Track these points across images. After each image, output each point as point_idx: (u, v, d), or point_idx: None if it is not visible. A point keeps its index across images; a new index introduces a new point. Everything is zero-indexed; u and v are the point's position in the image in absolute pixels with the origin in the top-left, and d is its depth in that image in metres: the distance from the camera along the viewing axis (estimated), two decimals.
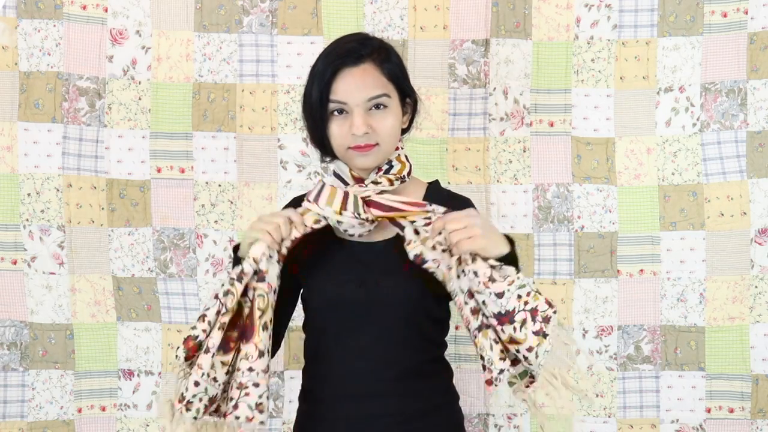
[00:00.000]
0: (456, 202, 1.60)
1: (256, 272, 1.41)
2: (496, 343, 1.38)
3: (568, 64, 2.20)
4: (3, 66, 2.13)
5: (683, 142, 2.19)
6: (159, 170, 2.20)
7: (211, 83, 2.19)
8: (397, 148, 1.56)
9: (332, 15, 2.18)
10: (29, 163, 2.16)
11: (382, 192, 1.48)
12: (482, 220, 1.41)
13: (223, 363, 1.41)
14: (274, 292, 1.42)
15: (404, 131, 1.59)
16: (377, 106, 1.46)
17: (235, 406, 1.38)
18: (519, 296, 1.36)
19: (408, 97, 1.55)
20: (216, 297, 1.42)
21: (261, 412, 1.38)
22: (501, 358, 1.38)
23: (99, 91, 2.17)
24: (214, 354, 1.39)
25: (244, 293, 1.42)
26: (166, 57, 2.18)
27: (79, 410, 2.20)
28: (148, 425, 2.22)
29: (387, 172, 1.52)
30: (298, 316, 1.58)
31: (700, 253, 2.18)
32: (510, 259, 1.41)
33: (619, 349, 2.20)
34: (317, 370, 1.53)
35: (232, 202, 2.20)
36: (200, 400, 1.39)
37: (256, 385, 1.39)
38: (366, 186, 1.48)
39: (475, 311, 1.39)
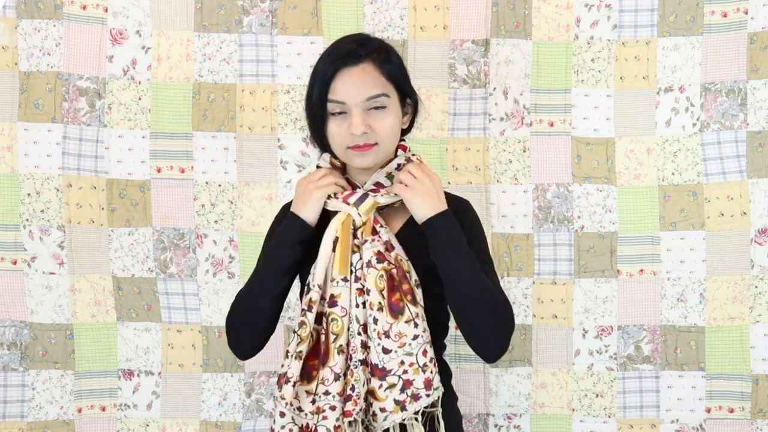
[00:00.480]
0: (454, 205, 1.60)
1: (322, 297, 1.46)
2: (368, 383, 1.44)
3: (568, 64, 2.20)
4: (3, 66, 2.13)
5: (683, 142, 2.19)
6: (159, 170, 2.20)
7: (211, 83, 2.19)
8: (405, 148, 1.57)
9: (332, 15, 2.18)
10: (29, 163, 2.16)
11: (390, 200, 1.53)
12: (433, 185, 1.48)
13: (307, 392, 1.45)
14: (348, 316, 1.46)
15: (405, 132, 1.60)
16: (376, 107, 1.47)
17: (314, 431, 1.41)
18: (402, 362, 1.41)
19: (408, 98, 1.55)
20: (294, 332, 1.47)
21: None
22: (365, 399, 1.44)
23: (99, 91, 2.17)
24: (295, 383, 1.43)
25: (318, 321, 1.47)
26: (166, 57, 2.18)
27: (79, 410, 2.20)
28: (148, 425, 2.22)
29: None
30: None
31: (700, 253, 2.18)
32: (437, 226, 1.46)
33: (619, 349, 2.20)
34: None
35: (232, 202, 2.20)
36: (290, 430, 1.44)
37: (333, 408, 1.41)
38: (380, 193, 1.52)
39: (364, 345, 1.44)
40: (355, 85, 1.46)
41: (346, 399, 1.42)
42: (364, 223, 1.49)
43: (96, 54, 2.17)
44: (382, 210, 1.54)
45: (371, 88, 1.46)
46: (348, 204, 1.49)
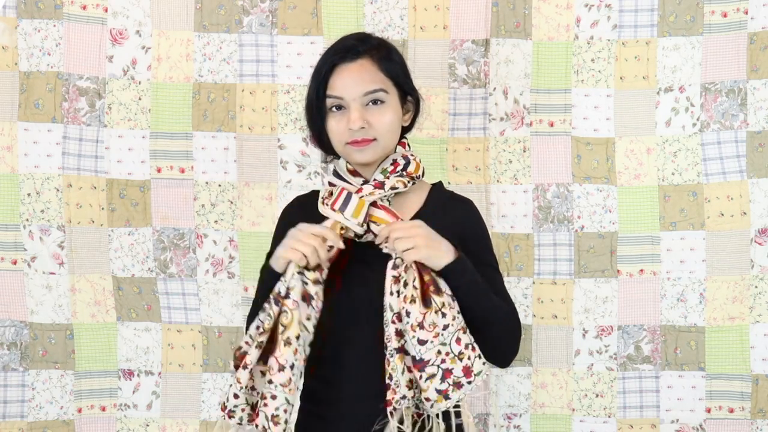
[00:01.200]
0: (458, 204, 1.60)
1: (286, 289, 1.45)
2: (409, 371, 1.43)
3: (568, 64, 2.20)
4: (3, 66, 2.13)
5: (683, 142, 2.19)
6: (159, 170, 2.20)
7: (211, 83, 2.19)
8: (404, 145, 1.57)
9: (332, 15, 2.18)
10: (29, 163, 2.16)
11: (389, 194, 1.51)
12: (426, 230, 1.44)
13: (262, 372, 1.46)
14: (315, 307, 1.45)
15: (407, 130, 1.60)
16: (374, 102, 1.47)
17: (257, 415, 1.43)
18: (438, 351, 1.41)
19: (409, 96, 1.55)
20: (259, 319, 1.47)
21: (276, 424, 1.40)
22: (407, 386, 1.43)
23: (99, 91, 2.17)
24: (251, 369, 1.44)
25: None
26: (166, 57, 2.18)
27: (79, 410, 2.20)
28: (148, 425, 2.22)
29: (405, 168, 1.53)
30: None
31: (700, 253, 2.18)
32: (458, 270, 1.44)
33: (619, 349, 2.20)
34: (321, 371, 1.53)
35: (232, 202, 2.20)
36: (242, 409, 1.45)
37: (273, 397, 1.41)
38: (383, 190, 1.50)
39: (399, 334, 1.43)
40: (353, 80, 1.46)
41: (385, 389, 1.42)
42: (358, 234, 1.48)
43: (96, 54, 2.17)
44: (393, 197, 1.53)
45: (369, 83, 1.47)
46: (334, 210, 1.49)
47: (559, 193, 2.20)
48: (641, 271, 2.20)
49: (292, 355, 1.42)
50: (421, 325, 1.40)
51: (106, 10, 2.16)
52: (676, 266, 2.19)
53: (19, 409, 2.17)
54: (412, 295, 1.42)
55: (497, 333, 1.50)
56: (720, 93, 2.17)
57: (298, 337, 1.43)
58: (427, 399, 1.41)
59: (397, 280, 1.44)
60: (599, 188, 2.20)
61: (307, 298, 1.44)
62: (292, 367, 1.42)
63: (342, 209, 1.47)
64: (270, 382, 1.42)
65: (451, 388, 1.41)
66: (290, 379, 1.42)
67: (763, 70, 2.15)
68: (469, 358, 1.43)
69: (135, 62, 2.18)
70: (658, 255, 2.19)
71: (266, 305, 1.45)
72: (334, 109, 1.48)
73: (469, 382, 1.42)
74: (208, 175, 2.20)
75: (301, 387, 1.51)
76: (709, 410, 2.20)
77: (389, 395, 1.42)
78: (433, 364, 1.40)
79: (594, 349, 2.21)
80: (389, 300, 1.44)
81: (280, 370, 1.41)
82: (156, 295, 2.21)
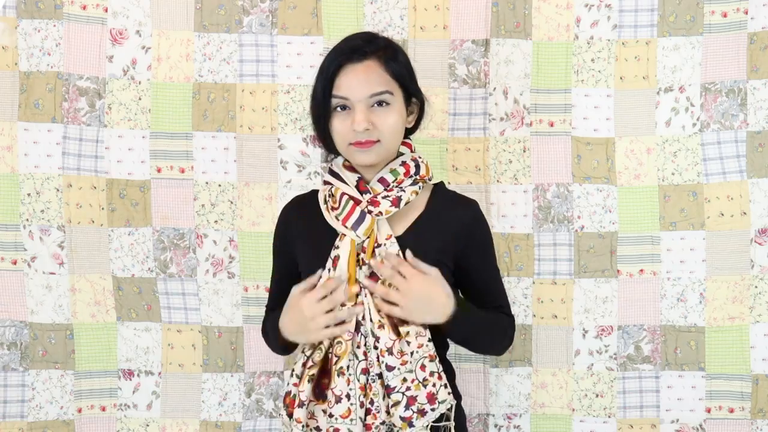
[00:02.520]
0: (462, 206, 1.61)
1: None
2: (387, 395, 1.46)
3: (568, 64, 2.20)
4: (3, 66, 2.13)
5: (683, 142, 2.19)
6: (159, 170, 2.20)
7: (211, 83, 2.19)
8: (410, 147, 1.57)
9: (332, 15, 2.18)
10: (29, 163, 2.16)
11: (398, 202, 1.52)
12: (426, 290, 1.44)
13: (324, 412, 1.46)
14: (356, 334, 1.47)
15: (411, 131, 1.60)
16: (380, 103, 1.47)
17: None
18: (404, 379, 1.42)
19: (414, 97, 1.55)
20: (302, 351, 1.49)
21: None
22: (386, 411, 1.46)
23: (99, 91, 2.17)
24: (307, 405, 1.45)
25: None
26: (166, 57, 2.18)
27: (79, 410, 2.20)
28: (148, 425, 2.22)
29: (416, 172, 1.53)
30: None
31: (700, 253, 2.18)
32: (451, 329, 1.47)
33: (619, 349, 2.20)
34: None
35: (232, 202, 2.20)
36: None
37: (336, 430, 1.41)
38: (398, 207, 1.51)
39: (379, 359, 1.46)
40: (359, 81, 1.46)
41: (366, 413, 1.44)
42: (364, 248, 1.49)
43: (96, 54, 2.17)
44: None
45: (375, 85, 1.46)
46: (346, 227, 1.49)
47: (559, 193, 2.20)
48: (641, 271, 2.20)
49: (345, 384, 1.42)
50: (390, 351, 1.41)
51: (106, 10, 2.16)
52: (676, 266, 2.19)
53: (19, 409, 2.17)
54: (380, 321, 1.42)
55: (494, 350, 1.64)
56: (720, 93, 2.17)
57: (348, 367, 1.43)
58: (393, 425, 1.44)
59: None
60: (599, 188, 2.20)
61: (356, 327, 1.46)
62: (348, 397, 1.42)
63: (355, 227, 1.48)
64: (330, 416, 1.42)
65: (415, 415, 1.42)
66: (349, 409, 1.42)
67: (763, 70, 2.15)
68: (434, 386, 1.44)
69: (135, 62, 2.18)
70: (658, 255, 2.19)
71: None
72: (339, 108, 1.48)
73: (433, 409, 1.43)
74: (208, 175, 2.20)
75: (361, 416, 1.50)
76: (709, 410, 2.20)
77: (369, 420, 1.43)
78: (398, 391, 1.41)
79: (594, 349, 2.21)
80: (369, 326, 1.44)
81: (337, 402, 1.42)
82: (156, 295, 2.21)
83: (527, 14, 2.19)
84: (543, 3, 2.18)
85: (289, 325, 1.50)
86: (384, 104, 1.47)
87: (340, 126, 1.48)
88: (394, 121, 1.48)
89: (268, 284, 1.82)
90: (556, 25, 2.19)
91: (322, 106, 1.49)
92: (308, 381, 1.45)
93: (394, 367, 1.41)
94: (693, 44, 2.17)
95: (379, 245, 1.48)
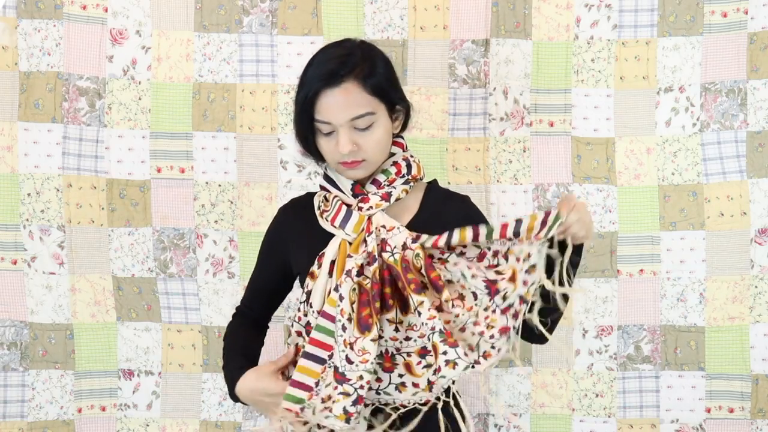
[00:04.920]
0: (455, 202, 1.60)
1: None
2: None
3: (568, 64, 2.20)
4: (3, 66, 2.13)
5: (683, 142, 2.19)
6: (159, 170, 2.20)
7: (211, 83, 2.19)
8: (402, 146, 1.57)
9: (332, 15, 2.18)
10: (29, 163, 2.16)
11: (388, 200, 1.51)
12: (586, 209, 1.41)
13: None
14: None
15: (398, 134, 1.59)
16: (362, 124, 1.46)
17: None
18: (361, 376, 1.41)
19: (398, 105, 1.53)
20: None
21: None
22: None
23: (99, 91, 2.17)
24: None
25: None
26: (166, 57, 2.18)
27: (79, 410, 2.20)
28: (148, 425, 2.22)
29: (408, 172, 1.53)
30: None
31: (700, 253, 2.18)
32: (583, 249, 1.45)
33: (619, 349, 2.20)
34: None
35: (232, 202, 2.20)
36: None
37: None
38: (389, 201, 1.51)
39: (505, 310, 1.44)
40: (339, 106, 1.44)
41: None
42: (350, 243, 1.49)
43: (96, 54, 2.17)
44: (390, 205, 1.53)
45: (355, 108, 1.44)
46: (335, 226, 1.49)
47: (559, 193, 2.20)
48: (641, 271, 2.20)
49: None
50: (351, 346, 1.41)
51: (106, 10, 2.16)
52: (676, 266, 2.19)
53: (19, 409, 2.17)
54: (349, 314, 1.42)
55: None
56: (720, 93, 2.17)
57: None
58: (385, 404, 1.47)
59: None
60: (599, 188, 2.20)
61: None
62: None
63: (343, 225, 1.48)
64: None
65: (356, 414, 1.41)
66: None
67: (763, 70, 2.15)
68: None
69: (135, 62, 2.18)
70: (658, 255, 2.19)
71: (298, 336, 1.52)
72: (322, 131, 1.48)
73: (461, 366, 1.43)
74: (208, 175, 2.20)
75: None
76: (709, 410, 2.20)
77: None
78: (351, 385, 1.41)
79: (594, 349, 2.21)
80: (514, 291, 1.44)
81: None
82: (156, 295, 2.21)
83: (527, 14, 2.19)
84: (543, 3, 2.18)
85: (245, 391, 1.50)
86: (367, 126, 1.46)
87: (326, 146, 1.48)
88: (378, 138, 1.47)
89: None
90: (556, 25, 2.19)
91: (308, 127, 1.48)
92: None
93: (353, 362, 1.41)
94: (693, 44, 2.17)
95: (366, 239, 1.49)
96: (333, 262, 1.48)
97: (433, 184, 1.63)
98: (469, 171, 2.20)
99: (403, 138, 1.60)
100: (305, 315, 1.50)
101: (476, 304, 1.43)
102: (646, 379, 2.21)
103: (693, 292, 2.19)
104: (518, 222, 1.40)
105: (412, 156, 1.57)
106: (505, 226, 1.41)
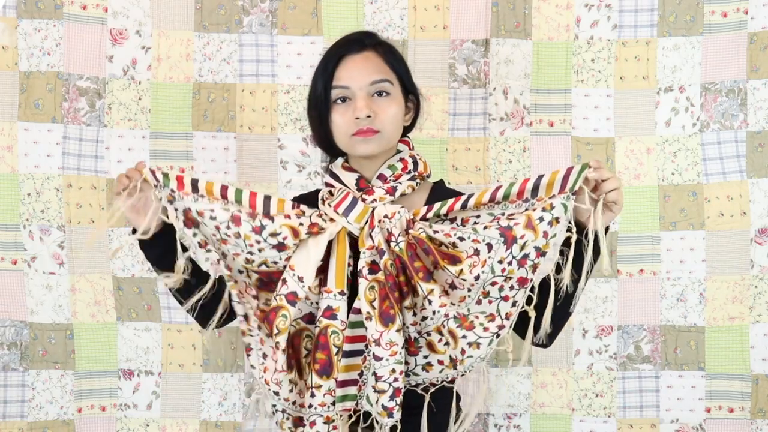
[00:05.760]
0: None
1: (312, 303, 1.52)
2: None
3: (568, 64, 2.20)
4: (3, 66, 2.13)
5: (683, 142, 2.19)
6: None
7: (211, 83, 2.19)
8: (409, 144, 1.58)
9: (332, 15, 2.18)
10: (29, 163, 2.16)
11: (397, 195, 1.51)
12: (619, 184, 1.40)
13: (290, 381, 1.48)
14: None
15: (408, 130, 1.60)
16: (380, 93, 1.49)
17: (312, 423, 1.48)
18: (393, 369, 1.41)
19: (411, 94, 1.57)
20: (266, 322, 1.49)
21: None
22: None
23: (99, 91, 2.17)
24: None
25: (311, 321, 1.51)
26: (166, 57, 2.18)
27: (79, 410, 2.20)
28: (148, 425, 2.22)
29: (414, 168, 1.53)
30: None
31: (700, 253, 2.18)
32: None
33: (618, 349, 2.20)
34: None
35: None
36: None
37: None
38: (393, 196, 1.50)
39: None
40: (359, 70, 1.48)
41: (352, 383, 1.47)
42: (357, 236, 1.48)
43: (96, 54, 2.17)
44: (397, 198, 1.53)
45: (375, 73, 1.48)
46: (338, 213, 1.48)
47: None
48: (641, 271, 2.20)
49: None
50: (377, 342, 1.40)
51: (106, 10, 2.16)
52: (676, 266, 2.19)
53: (19, 409, 2.17)
54: (368, 313, 1.42)
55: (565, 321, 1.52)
56: (720, 93, 2.17)
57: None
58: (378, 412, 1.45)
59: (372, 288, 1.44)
60: None
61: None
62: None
63: (346, 213, 1.47)
64: (333, 404, 1.46)
65: (397, 407, 1.42)
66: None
67: (763, 70, 2.15)
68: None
69: (135, 62, 2.18)
70: (658, 255, 2.19)
71: (278, 301, 1.47)
72: (339, 101, 1.49)
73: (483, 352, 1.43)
74: (208, 175, 2.20)
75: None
76: (708, 410, 2.20)
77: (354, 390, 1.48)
78: (385, 381, 1.41)
79: (594, 349, 2.21)
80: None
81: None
82: (156, 295, 2.21)
83: (527, 14, 2.19)
84: (543, 3, 2.18)
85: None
86: (384, 94, 1.49)
87: (340, 118, 1.49)
88: (394, 112, 1.49)
89: None
90: (556, 25, 2.19)
91: (323, 100, 1.49)
92: (282, 351, 1.45)
93: (382, 358, 1.41)
94: (693, 44, 2.17)
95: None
96: (330, 243, 1.47)
97: (439, 184, 1.64)
98: (469, 171, 2.20)
99: (409, 137, 1.61)
100: (295, 297, 1.46)
101: (490, 257, 1.38)
102: (646, 379, 2.21)
103: (693, 292, 2.19)
104: (539, 177, 1.38)
105: (418, 154, 1.58)
106: (525, 181, 1.39)
